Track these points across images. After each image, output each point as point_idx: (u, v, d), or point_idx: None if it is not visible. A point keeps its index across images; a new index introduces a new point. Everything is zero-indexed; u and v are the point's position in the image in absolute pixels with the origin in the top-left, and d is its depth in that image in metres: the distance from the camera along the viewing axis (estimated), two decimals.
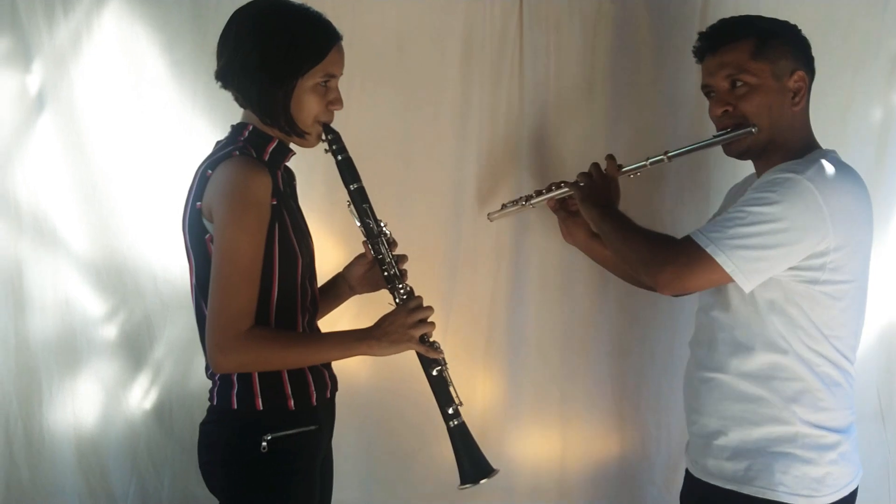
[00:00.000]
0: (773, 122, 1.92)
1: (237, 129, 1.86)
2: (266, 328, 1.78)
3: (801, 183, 1.76)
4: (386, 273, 1.93)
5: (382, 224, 1.94)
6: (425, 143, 2.46)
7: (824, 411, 1.86)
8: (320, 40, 1.80)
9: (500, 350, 2.54)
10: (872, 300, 2.51)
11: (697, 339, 2.04)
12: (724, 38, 1.95)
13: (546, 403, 2.56)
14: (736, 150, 1.99)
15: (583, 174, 2.21)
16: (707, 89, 2.02)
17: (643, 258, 1.93)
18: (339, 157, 1.89)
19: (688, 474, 2.07)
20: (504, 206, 2.39)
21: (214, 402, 1.85)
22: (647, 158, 2.15)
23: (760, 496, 1.85)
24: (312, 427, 1.84)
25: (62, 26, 2.34)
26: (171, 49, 2.38)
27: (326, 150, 1.90)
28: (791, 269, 1.80)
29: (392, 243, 1.95)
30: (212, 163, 1.77)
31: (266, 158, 1.82)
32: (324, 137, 1.88)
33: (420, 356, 1.90)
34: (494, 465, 1.93)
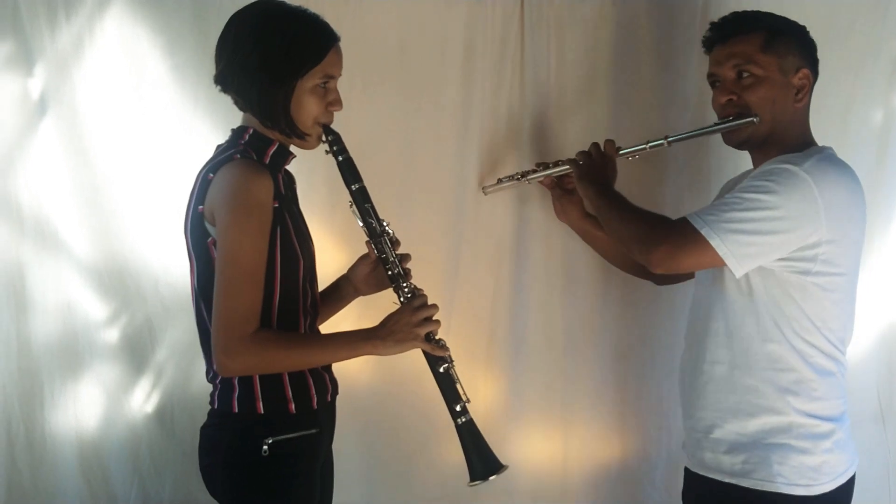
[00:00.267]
0: (775, 115, 1.96)
1: (238, 133, 1.87)
2: (271, 330, 1.78)
3: (798, 174, 1.80)
4: (390, 272, 1.93)
5: (385, 223, 1.94)
6: (426, 144, 2.47)
7: (817, 401, 1.89)
8: (319, 41, 1.81)
9: (502, 351, 2.54)
10: (873, 301, 2.53)
11: (692, 332, 2.07)
12: (735, 28, 1.99)
13: (547, 404, 2.57)
14: (735, 140, 2.03)
15: (582, 153, 2.25)
16: (713, 78, 2.05)
17: (637, 236, 1.96)
18: (340, 158, 1.89)
19: (686, 471, 2.09)
20: (500, 181, 2.40)
21: (215, 406, 1.86)
22: (648, 142, 2.18)
23: (759, 488, 1.88)
24: (313, 430, 1.84)
25: (64, 30, 2.34)
26: (172, 52, 2.38)
27: (327, 152, 1.90)
28: (784, 259, 1.83)
29: (395, 242, 1.96)
30: (213, 166, 1.78)
31: (267, 161, 1.83)
32: (324, 139, 1.88)
33: (426, 354, 1.90)
34: None
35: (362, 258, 2.10)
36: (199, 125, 2.38)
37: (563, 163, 2.28)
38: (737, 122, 1.98)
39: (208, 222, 1.76)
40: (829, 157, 1.92)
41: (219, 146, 1.89)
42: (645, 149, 2.19)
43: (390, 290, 1.96)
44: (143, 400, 2.47)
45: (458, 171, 2.49)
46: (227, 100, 1.90)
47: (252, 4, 1.84)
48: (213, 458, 1.85)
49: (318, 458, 1.91)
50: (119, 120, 2.38)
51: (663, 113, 2.51)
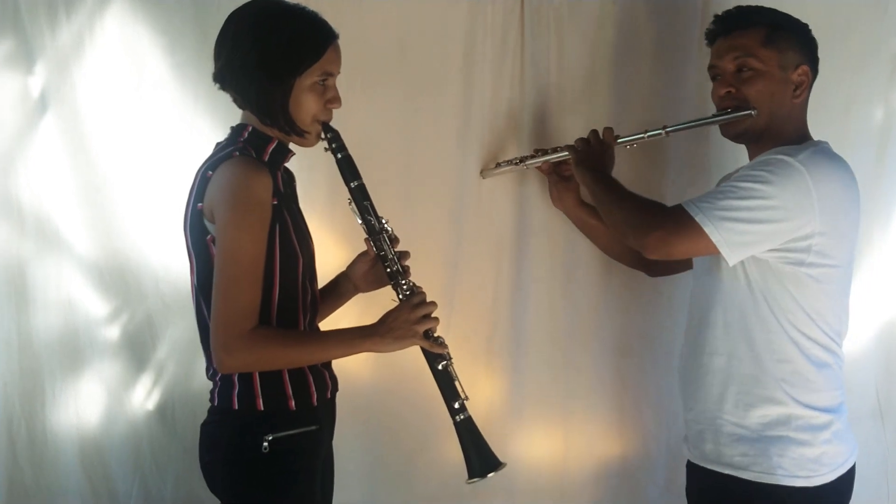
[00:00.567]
0: (773, 109, 1.98)
1: (237, 131, 1.87)
2: (270, 327, 1.79)
3: (793, 166, 1.82)
4: (388, 270, 1.94)
5: (384, 221, 1.95)
6: (427, 142, 2.47)
7: (815, 392, 1.91)
8: (317, 39, 1.81)
9: (503, 348, 2.55)
10: (871, 299, 2.53)
11: (691, 325, 2.09)
12: (738, 22, 2.02)
13: (548, 402, 2.57)
14: (733, 132, 2.05)
15: (580, 139, 2.26)
16: (713, 71, 2.07)
17: (632, 221, 1.98)
18: (339, 156, 1.89)
19: (688, 464, 2.11)
20: (499, 165, 2.42)
21: (215, 403, 1.86)
22: (646, 131, 2.19)
23: (760, 481, 1.90)
24: (313, 427, 1.85)
25: (65, 28, 2.34)
26: (173, 51, 2.38)
27: (326, 149, 1.90)
28: (778, 250, 1.85)
29: (394, 240, 1.96)
30: (212, 164, 1.78)
31: (266, 159, 1.83)
32: (323, 136, 1.89)
33: (425, 351, 1.91)
34: None
35: (361, 255, 2.10)
36: (200, 123, 2.38)
37: (562, 149, 2.30)
38: (734, 114, 2.00)
39: (207, 220, 1.76)
40: (823, 150, 1.94)
41: (218, 144, 1.89)
42: (643, 138, 2.20)
43: (390, 287, 1.96)
44: (144, 397, 2.47)
45: (459, 168, 2.49)
46: (227, 98, 1.90)
47: (251, 2, 1.84)
48: (213, 455, 1.86)
49: (319, 454, 1.91)
50: (119, 118, 2.38)
51: (662, 110, 2.50)
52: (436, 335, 1.90)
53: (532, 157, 2.35)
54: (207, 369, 1.88)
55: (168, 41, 2.38)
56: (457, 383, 1.91)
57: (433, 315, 1.89)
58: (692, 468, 2.08)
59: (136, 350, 2.46)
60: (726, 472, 1.95)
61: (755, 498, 1.92)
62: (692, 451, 2.07)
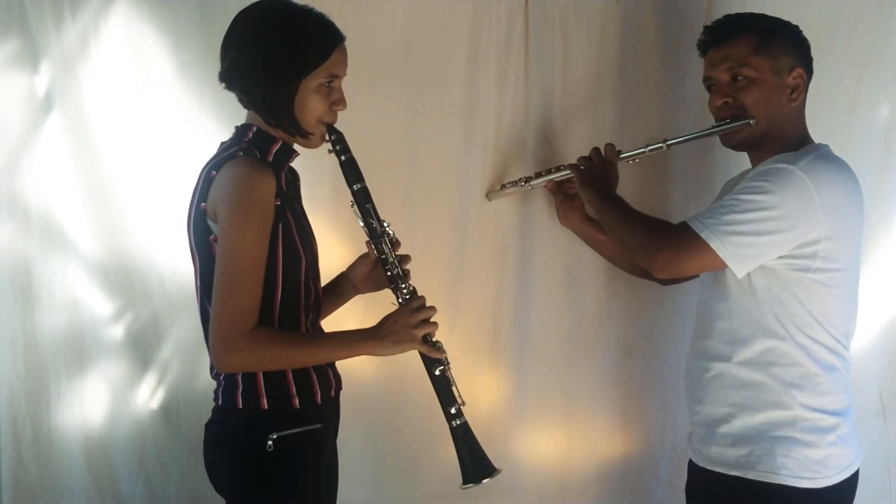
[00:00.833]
0: (771, 115, 1.98)
1: (241, 130, 1.87)
2: (270, 328, 1.79)
3: (794, 173, 1.82)
4: (389, 273, 1.94)
5: (385, 224, 1.95)
6: (431, 144, 2.47)
7: (823, 395, 1.91)
8: (324, 41, 1.81)
9: (506, 349, 2.55)
10: (875, 298, 2.53)
11: (698, 331, 2.09)
12: (727, 32, 2.02)
13: (551, 402, 2.57)
14: (733, 141, 2.06)
15: (583, 158, 2.27)
16: (709, 82, 2.08)
17: (639, 241, 1.99)
18: (343, 158, 1.90)
19: (691, 465, 2.11)
20: (504, 187, 2.43)
21: (219, 402, 1.86)
22: (647, 145, 2.20)
23: (764, 480, 1.90)
24: (318, 425, 1.85)
25: (70, 28, 2.34)
26: (178, 50, 2.39)
27: (330, 151, 1.90)
28: (784, 257, 1.85)
29: (395, 243, 1.96)
30: (216, 164, 1.78)
31: (270, 159, 1.83)
32: (327, 138, 1.89)
33: (423, 356, 1.91)
34: (500, 464, 1.94)
35: (362, 257, 2.10)
36: (205, 123, 2.38)
37: (565, 168, 2.30)
38: (733, 124, 2.01)
39: (211, 219, 1.77)
40: (824, 155, 1.93)
41: (222, 143, 1.90)
42: (644, 152, 2.21)
43: (390, 290, 1.96)
44: (148, 397, 2.48)
45: (463, 170, 2.49)
46: (232, 98, 1.90)
47: (258, 3, 1.85)
48: (218, 455, 1.86)
49: (323, 453, 1.91)
50: (124, 118, 2.39)
51: (669, 110, 2.52)
52: (434, 340, 1.90)
53: (536, 177, 2.36)
54: (211, 369, 1.88)
55: (173, 41, 2.39)
56: (454, 388, 1.92)
57: (432, 320, 1.89)
58: (695, 469, 2.08)
59: (141, 350, 2.46)
60: (731, 472, 1.94)
61: (759, 498, 1.91)
62: (696, 454, 2.07)
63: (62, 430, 2.45)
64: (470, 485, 1.91)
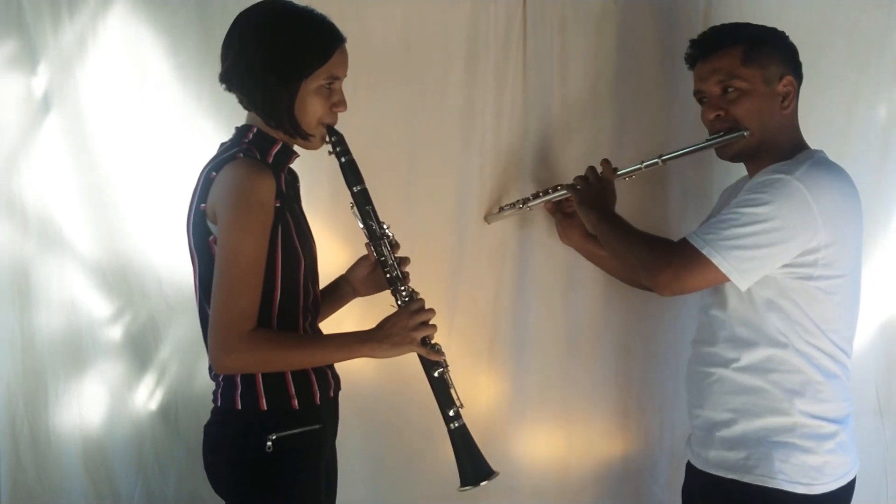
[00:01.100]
0: (764, 125, 1.99)
1: (241, 131, 1.87)
2: (269, 329, 1.79)
3: (790, 183, 1.83)
4: (388, 275, 1.94)
5: (385, 226, 1.95)
6: (429, 145, 2.47)
7: (823, 402, 1.91)
8: (324, 42, 1.81)
9: (505, 351, 2.54)
10: (871, 298, 2.54)
11: (699, 338, 2.09)
12: (714, 45, 2.02)
13: (550, 404, 2.57)
14: (728, 153, 2.06)
15: (579, 178, 2.28)
16: (699, 95, 2.08)
17: (641, 260, 2.00)
18: (343, 160, 1.89)
19: (689, 466, 2.12)
20: (502, 209, 2.43)
21: (218, 404, 1.86)
22: (642, 162, 2.21)
23: (760, 484, 1.90)
24: (317, 426, 1.85)
25: (68, 29, 2.34)
26: (175, 51, 2.38)
27: (330, 153, 1.90)
28: (785, 266, 1.85)
29: (394, 245, 1.96)
30: (216, 165, 1.78)
31: (270, 160, 1.83)
32: (327, 139, 1.88)
33: (421, 358, 1.91)
34: (498, 465, 1.94)
35: (361, 259, 2.10)
36: (202, 124, 2.38)
37: (562, 188, 2.30)
38: (727, 136, 2.01)
39: (210, 220, 1.77)
40: (819, 162, 1.93)
41: (222, 144, 1.89)
42: (640, 168, 2.22)
43: (389, 292, 1.96)
44: (146, 398, 2.47)
45: (462, 171, 2.49)
46: (230, 99, 1.90)
47: (258, 4, 1.84)
48: (217, 456, 1.86)
49: (322, 453, 1.91)
50: (122, 119, 2.39)
51: (667, 110, 2.52)
52: (433, 342, 1.90)
53: (534, 198, 2.36)
54: (210, 370, 1.88)
55: (171, 42, 2.39)
56: (452, 391, 1.91)
57: (431, 322, 1.89)
58: (693, 471, 2.09)
59: (139, 350, 2.46)
60: (728, 475, 1.95)
61: (755, 502, 1.91)
62: (695, 456, 2.07)
63: (60, 431, 2.44)
64: (468, 487, 1.91)
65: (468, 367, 2.44)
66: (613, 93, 2.52)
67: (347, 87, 1.90)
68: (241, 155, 1.76)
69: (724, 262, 1.83)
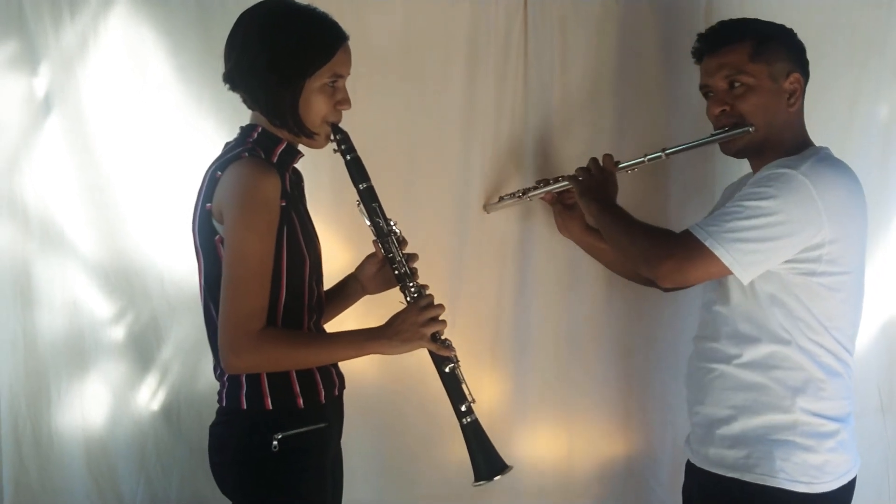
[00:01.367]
0: (769, 121, 1.98)
1: (246, 131, 1.87)
2: (278, 328, 1.79)
3: (796, 178, 1.82)
4: (396, 272, 1.94)
5: (392, 223, 1.95)
6: (430, 144, 2.47)
7: (824, 400, 1.90)
8: (327, 40, 1.81)
9: (507, 350, 2.54)
10: (874, 296, 2.54)
11: (701, 334, 2.08)
12: (722, 39, 2.01)
13: (552, 403, 2.57)
14: (733, 149, 2.05)
15: (581, 169, 2.26)
16: (705, 89, 2.07)
17: (643, 251, 1.98)
18: (348, 157, 1.90)
19: (688, 465, 2.11)
20: (502, 199, 2.42)
21: (223, 404, 1.86)
22: (645, 155, 2.20)
23: (761, 483, 1.89)
24: (322, 424, 1.85)
25: (69, 29, 2.35)
26: (176, 52, 2.39)
27: (335, 151, 1.91)
28: (788, 261, 1.84)
29: (402, 242, 1.97)
30: (221, 164, 1.78)
31: (275, 160, 1.83)
32: (332, 137, 1.89)
33: (432, 354, 1.90)
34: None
35: (369, 257, 2.10)
36: (203, 124, 2.39)
37: (563, 179, 2.29)
38: (733, 132, 2.00)
39: (216, 220, 1.76)
40: (825, 158, 1.93)
41: (227, 144, 1.89)
42: (643, 162, 2.21)
43: (396, 288, 1.96)
44: (149, 398, 2.48)
45: (462, 169, 2.49)
46: (231, 99, 1.90)
47: (261, 3, 1.85)
48: (222, 456, 1.86)
49: (328, 452, 1.91)
50: (123, 119, 2.39)
51: (668, 110, 2.52)
52: (443, 338, 1.90)
53: (534, 188, 2.35)
54: (215, 369, 1.88)
55: (171, 42, 2.39)
56: (464, 386, 1.91)
57: (441, 318, 1.89)
58: (693, 470, 2.08)
59: (142, 351, 2.46)
60: (729, 474, 1.94)
61: (755, 501, 1.90)
62: (695, 454, 2.06)
63: (63, 432, 2.45)
64: (482, 482, 1.90)
65: (469, 368, 2.39)
66: (614, 92, 2.52)
67: (348, 86, 1.90)
68: (246, 154, 1.76)
69: (726, 254, 1.82)
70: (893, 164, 2.56)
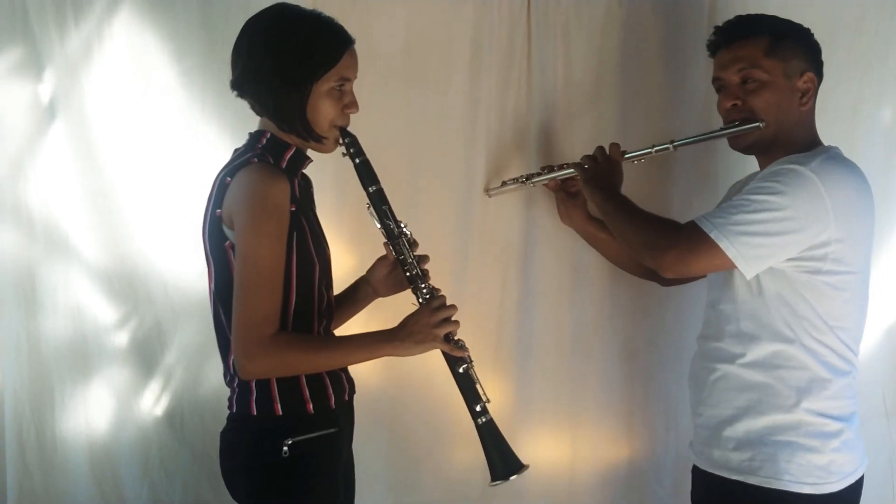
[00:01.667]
0: (781, 119, 1.97)
1: (255, 137, 1.87)
2: (291, 333, 1.79)
3: (804, 174, 1.81)
4: (408, 273, 1.94)
5: (403, 225, 1.95)
6: (433, 145, 2.47)
7: (828, 400, 1.90)
8: (333, 45, 1.82)
9: (510, 353, 2.54)
10: (879, 300, 2.54)
11: (705, 334, 2.08)
12: (739, 33, 2.00)
13: (555, 406, 2.56)
14: (741, 144, 2.04)
15: (587, 157, 2.25)
16: (718, 83, 2.06)
17: (647, 240, 1.98)
18: (358, 161, 1.90)
19: (694, 470, 2.10)
20: (504, 183, 2.41)
21: (234, 410, 1.85)
22: (653, 146, 2.19)
23: (767, 486, 1.88)
24: (332, 430, 1.84)
25: (73, 35, 2.35)
26: (180, 57, 2.39)
27: (344, 154, 1.91)
28: (794, 259, 1.84)
29: (413, 244, 1.96)
30: (230, 170, 1.78)
31: (284, 166, 1.83)
32: (341, 141, 1.89)
33: (446, 355, 1.90)
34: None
35: (380, 259, 2.10)
36: (207, 130, 2.39)
37: (569, 166, 2.28)
38: (743, 127, 1.99)
39: (226, 226, 1.77)
40: (835, 156, 1.93)
41: (236, 150, 1.89)
42: (651, 153, 2.20)
43: (410, 290, 1.96)
44: (152, 403, 2.47)
45: (465, 172, 2.49)
46: (235, 105, 1.90)
47: (266, 9, 1.85)
48: (233, 462, 1.85)
49: (339, 457, 1.91)
50: (127, 125, 2.39)
51: (671, 113, 2.52)
52: (456, 338, 1.90)
53: (538, 174, 2.34)
54: (225, 375, 1.88)
55: (175, 48, 2.39)
56: (478, 386, 1.92)
57: (453, 318, 1.89)
58: (699, 474, 2.07)
59: (145, 356, 2.46)
60: (734, 477, 1.93)
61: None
62: (699, 456, 2.06)
63: (66, 437, 2.45)
64: (499, 482, 1.90)
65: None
66: (617, 95, 2.52)
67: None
68: (256, 160, 1.76)
69: (730, 246, 1.82)
70: None
